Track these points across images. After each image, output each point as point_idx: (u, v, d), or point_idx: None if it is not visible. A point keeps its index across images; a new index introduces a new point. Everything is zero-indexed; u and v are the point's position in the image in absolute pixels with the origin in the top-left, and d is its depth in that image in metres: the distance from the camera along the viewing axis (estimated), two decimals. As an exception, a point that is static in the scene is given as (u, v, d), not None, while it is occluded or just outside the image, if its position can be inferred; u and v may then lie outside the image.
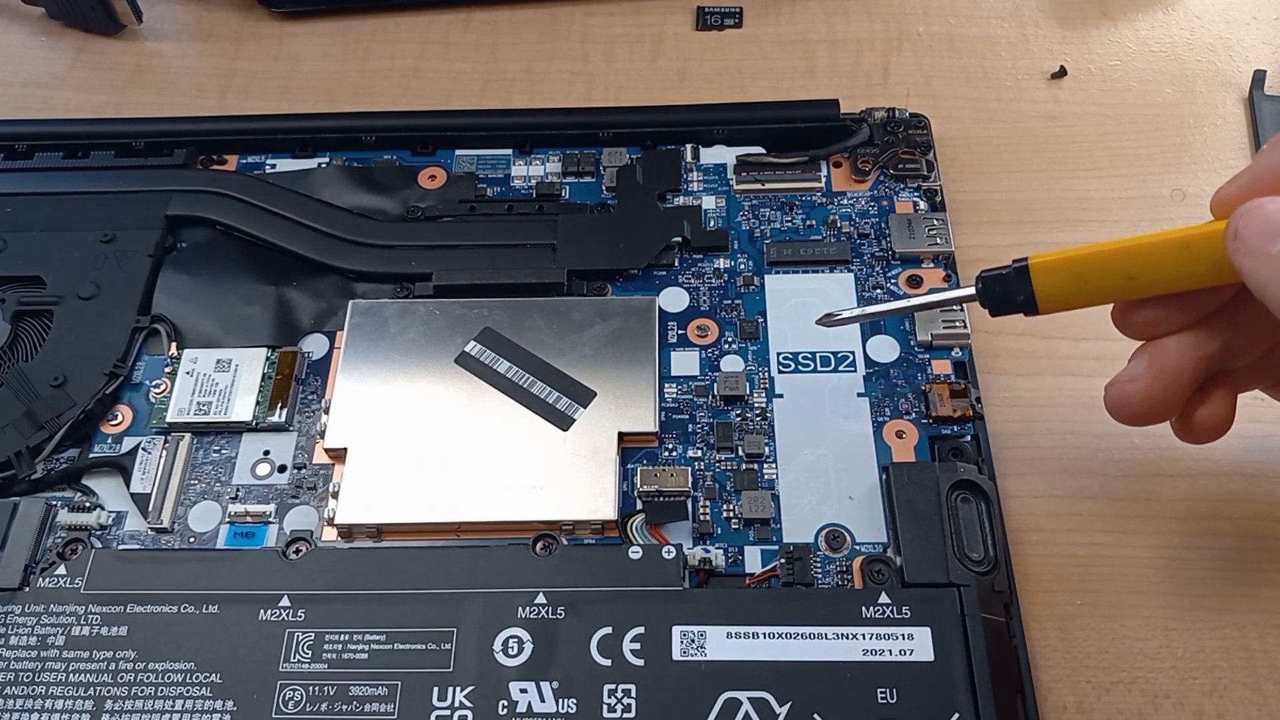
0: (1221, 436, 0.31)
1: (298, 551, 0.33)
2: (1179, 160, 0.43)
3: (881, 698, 0.30)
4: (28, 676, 0.31)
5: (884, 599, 0.31)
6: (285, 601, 0.32)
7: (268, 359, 0.38)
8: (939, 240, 0.40)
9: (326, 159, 0.44)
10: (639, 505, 0.35)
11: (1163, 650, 0.32)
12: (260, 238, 0.41)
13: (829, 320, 0.34)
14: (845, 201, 0.42)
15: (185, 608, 0.32)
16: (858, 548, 0.34)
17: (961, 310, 0.38)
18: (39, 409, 0.37)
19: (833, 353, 0.38)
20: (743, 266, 0.40)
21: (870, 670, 0.30)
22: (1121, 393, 0.30)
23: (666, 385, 0.37)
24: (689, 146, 0.43)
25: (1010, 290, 0.30)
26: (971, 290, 0.31)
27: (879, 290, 0.39)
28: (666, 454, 0.36)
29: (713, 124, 0.44)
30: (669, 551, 0.33)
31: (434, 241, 0.41)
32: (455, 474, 0.35)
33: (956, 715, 0.29)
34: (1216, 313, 0.30)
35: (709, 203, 0.42)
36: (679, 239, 0.41)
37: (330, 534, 0.34)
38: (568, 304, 0.38)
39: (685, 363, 0.38)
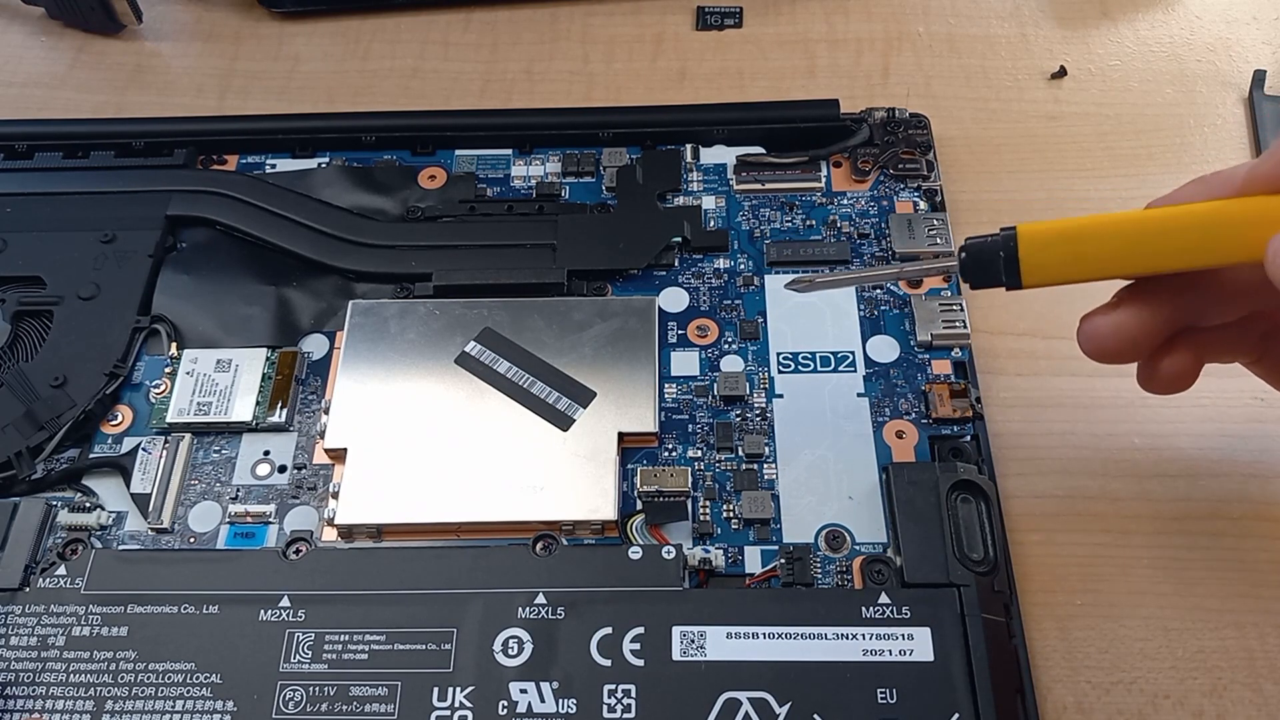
0: (1181, 391, 0.31)
1: (298, 552, 0.33)
2: (1179, 160, 0.43)
3: (881, 698, 0.30)
4: (28, 677, 0.31)
5: (884, 599, 0.31)
6: (285, 602, 0.32)
7: (268, 359, 0.38)
8: (939, 240, 0.40)
9: (326, 159, 0.44)
10: (639, 505, 0.35)
11: (1163, 650, 0.32)
12: (260, 238, 0.41)
13: (800, 285, 0.33)
14: (845, 201, 0.42)
15: (185, 608, 0.32)
16: (858, 548, 0.34)
17: (961, 310, 0.38)
18: (39, 409, 0.37)
19: (833, 353, 0.38)
20: (743, 266, 0.40)
21: (870, 670, 0.30)
22: (1094, 326, 0.30)
23: (666, 385, 0.37)
24: (689, 146, 0.43)
25: (994, 259, 0.29)
26: (950, 263, 0.31)
27: (879, 291, 0.39)
28: (666, 454, 0.36)
29: (713, 124, 0.44)
30: (669, 552, 0.33)
31: (434, 241, 0.41)
32: (455, 474, 0.35)
33: (956, 715, 0.29)
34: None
35: (709, 203, 0.42)
36: (679, 239, 0.41)
37: (330, 534, 0.34)
38: (568, 304, 0.38)
39: (685, 363, 0.38)
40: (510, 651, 0.31)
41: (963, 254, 0.30)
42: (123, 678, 0.31)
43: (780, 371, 0.38)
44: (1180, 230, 0.28)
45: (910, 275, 0.34)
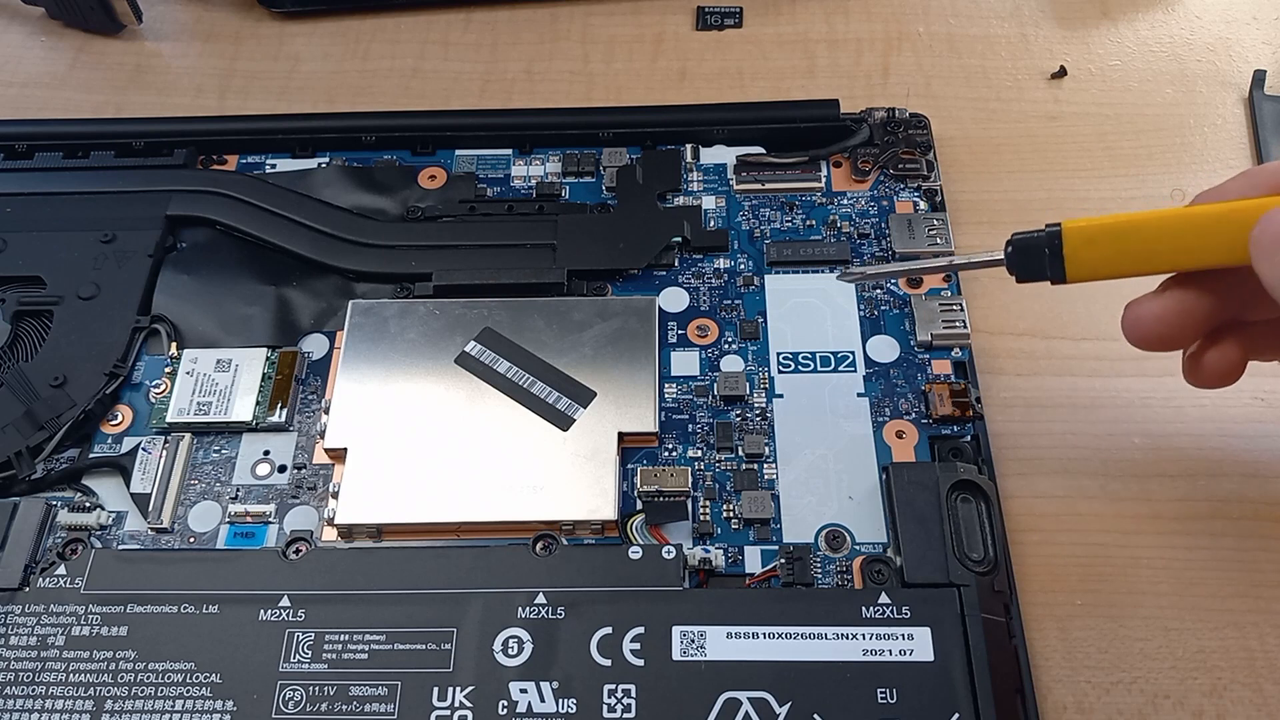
0: (1227, 385, 0.31)
1: (298, 551, 0.33)
2: (1179, 160, 0.43)
3: (881, 698, 0.30)
4: (28, 676, 0.31)
5: (884, 599, 0.31)
6: (285, 601, 0.32)
7: (268, 359, 0.38)
8: (939, 240, 0.40)
9: (326, 159, 0.44)
10: (639, 505, 0.35)
11: (1163, 650, 0.32)
12: (260, 238, 0.41)
13: (850, 275, 0.35)
14: (845, 201, 0.42)
15: (185, 608, 0.32)
16: (858, 548, 0.34)
17: (961, 310, 0.38)
18: (39, 409, 0.37)
19: (833, 353, 0.38)
20: (743, 266, 0.40)
21: (870, 670, 0.30)
22: (1138, 312, 0.30)
23: (666, 385, 0.37)
24: (689, 146, 0.43)
25: (1039, 254, 0.30)
26: (999, 255, 0.31)
27: (879, 290, 0.39)
28: (666, 454, 0.36)
29: (713, 124, 0.44)
30: (669, 551, 0.33)
31: (434, 241, 0.41)
32: (455, 474, 0.35)
33: (956, 715, 0.29)
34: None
35: (709, 203, 0.42)
36: (679, 239, 0.41)
37: (330, 534, 0.34)
38: (568, 304, 0.38)
39: (685, 363, 0.38)
40: (510, 651, 0.31)
41: (1009, 248, 0.31)
42: (122, 677, 0.31)
43: (780, 371, 0.38)
44: (1223, 228, 0.29)
45: (959, 268, 0.34)
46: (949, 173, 0.43)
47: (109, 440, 0.37)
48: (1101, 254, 0.30)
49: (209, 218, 0.42)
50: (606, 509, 0.34)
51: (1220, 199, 0.30)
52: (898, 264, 0.37)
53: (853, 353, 0.38)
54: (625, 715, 0.30)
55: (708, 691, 0.30)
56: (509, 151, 0.44)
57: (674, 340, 0.39)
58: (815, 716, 0.30)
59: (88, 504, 0.35)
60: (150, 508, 0.35)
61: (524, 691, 0.30)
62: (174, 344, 0.39)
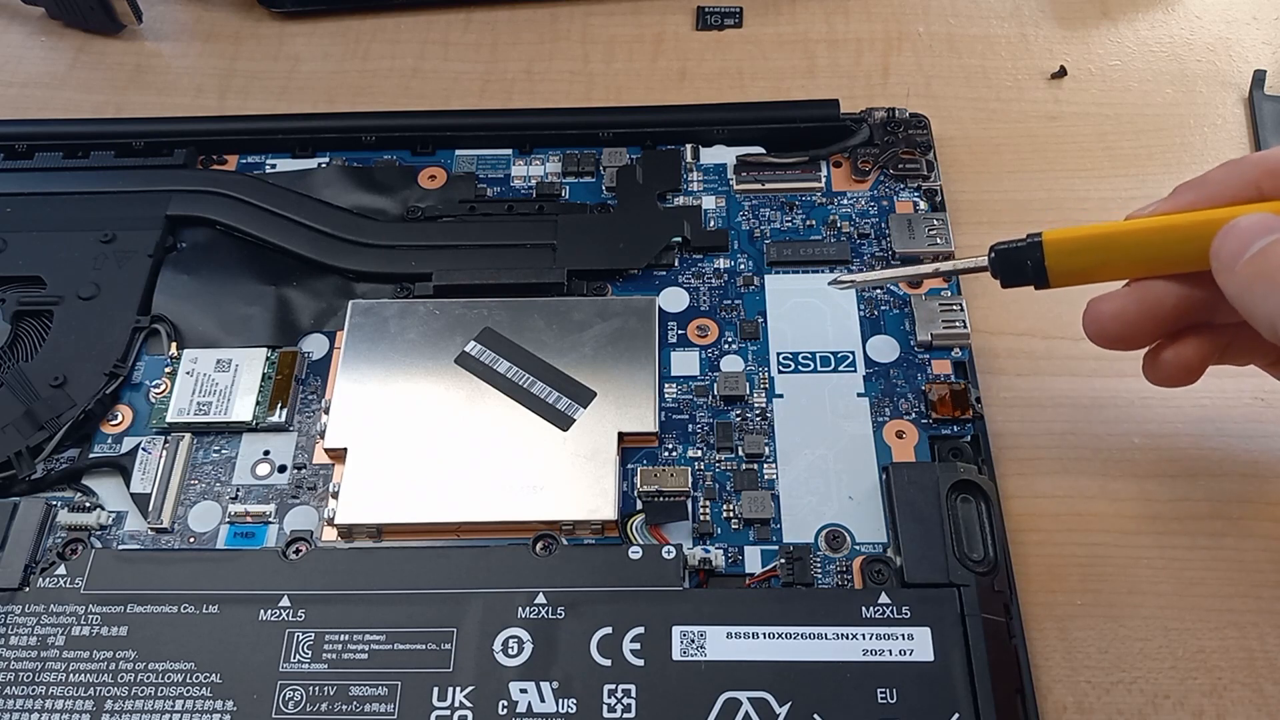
0: (1185, 385, 0.31)
1: (298, 551, 0.33)
2: (1179, 160, 0.43)
3: (881, 698, 0.30)
4: (28, 676, 0.31)
5: (884, 599, 0.31)
6: (285, 601, 0.32)
7: (268, 359, 0.38)
8: (939, 240, 0.40)
9: (326, 159, 0.44)
10: (639, 505, 0.35)
11: (1163, 650, 0.32)
12: (260, 238, 0.41)
13: (839, 283, 0.35)
14: (845, 201, 0.42)
15: (185, 608, 0.32)
16: (858, 548, 0.34)
17: (961, 310, 0.38)
18: (39, 409, 0.37)
19: (833, 353, 0.38)
20: (743, 266, 0.40)
21: (870, 670, 0.30)
22: (1097, 307, 0.31)
23: (666, 385, 0.37)
24: (689, 146, 0.43)
25: (1022, 263, 0.31)
26: (984, 260, 0.32)
27: (879, 291, 0.39)
28: (666, 454, 0.36)
29: (713, 124, 0.44)
30: (669, 551, 0.33)
31: (434, 241, 0.41)
32: (455, 474, 0.35)
33: (956, 715, 0.29)
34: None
35: (709, 203, 0.42)
36: (679, 239, 0.41)
37: (330, 534, 0.34)
38: (568, 304, 0.38)
39: (685, 363, 0.38)
40: (510, 651, 0.31)
41: (992, 255, 0.32)
42: (122, 677, 0.31)
43: (780, 371, 0.38)
44: (1193, 239, 0.29)
45: (945, 274, 0.35)
46: (949, 173, 0.43)
47: (109, 440, 0.37)
48: (1082, 262, 0.31)
49: (209, 218, 0.42)
50: (606, 509, 0.34)
51: (1202, 189, 0.30)
52: (885, 271, 0.38)
53: (853, 353, 0.38)
54: (625, 715, 0.30)
55: (708, 691, 0.30)
56: (509, 151, 0.44)
57: (674, 340, 0.38)
58: (815, 716, 0.30)
59: (88, 504, 0.35)
60: (150, 508, 0.35)
61: (524, 691, 0.30)
62: (174, 344, 0.39)
